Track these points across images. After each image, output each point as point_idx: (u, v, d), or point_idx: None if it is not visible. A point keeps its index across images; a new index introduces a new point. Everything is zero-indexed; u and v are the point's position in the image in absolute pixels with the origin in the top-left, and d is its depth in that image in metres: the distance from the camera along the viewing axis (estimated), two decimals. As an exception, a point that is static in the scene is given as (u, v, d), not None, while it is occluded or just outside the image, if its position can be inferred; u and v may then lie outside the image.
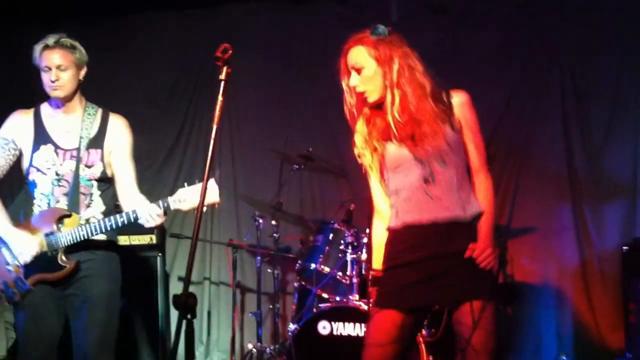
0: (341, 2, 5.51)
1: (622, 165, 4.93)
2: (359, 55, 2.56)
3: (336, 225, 4.46)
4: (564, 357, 4.76)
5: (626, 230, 4.82)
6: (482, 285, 2.49)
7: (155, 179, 5.66)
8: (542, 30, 5.12)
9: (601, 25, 5.00)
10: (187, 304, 2.23)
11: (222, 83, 2.34)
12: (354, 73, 2.58)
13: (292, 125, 5.59)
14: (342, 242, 4.36)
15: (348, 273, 4.26)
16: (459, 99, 2.60)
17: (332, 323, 4.05)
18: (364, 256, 4.26)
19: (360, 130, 2.66)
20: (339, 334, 4.03)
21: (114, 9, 5.65)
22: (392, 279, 2.57)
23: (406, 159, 2.56)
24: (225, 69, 2.33)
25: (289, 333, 4.16)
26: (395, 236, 2.61)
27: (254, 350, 4.71)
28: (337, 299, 4.32)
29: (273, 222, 4.82)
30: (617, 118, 4.95)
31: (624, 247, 4.47)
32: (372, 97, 2.59)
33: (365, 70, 2.56)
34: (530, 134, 5.13)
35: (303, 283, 4.59)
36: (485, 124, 4.90)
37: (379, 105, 2.60)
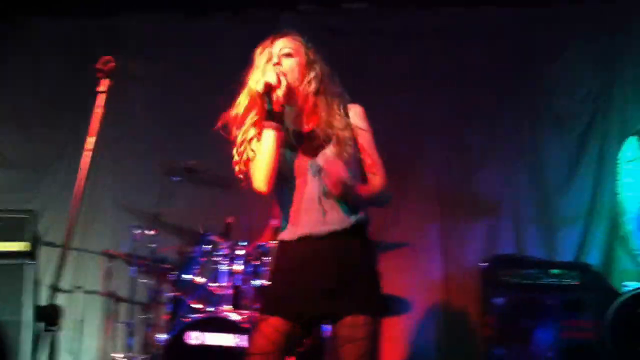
0: (235, 14, 5.60)
1: (489, 187, 5.26)
2: (293, 43, 2.64)
3: (213, 237, 4.52)
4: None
5: (486, 247, 5.17)
6: (368, 301, 2.52)
7: (37, 188, 5.57)
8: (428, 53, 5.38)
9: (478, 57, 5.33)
10: (50, 315, 2.22)
11: (101, 95, 2.35)
12: (284, 59, 2.61)
13: (176, 135, 5.59)
14: (218, 254, 4.42)
15: (222, 284, 4.32)
16: (354, 111, 2.69)
17: (204, 333, 4.07)
18: (239, 267, 4.34)
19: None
20: (210, 344, 4.06)
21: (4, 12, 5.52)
22: (279, 287, 2.59)
23: (305, 169, 2.58)
24: (105, 80, 2.35)
25: (159, 343, 4.16)
26: (287, 247, 2.60)
27: (124, 360, 4.68)
28: (210, 309, 4.37)
29: (151, 232, 4.80)
30: (491, 143, 5.29)
31: (484, 264, 4.74)
32: (282, 92, 2.55)
33: (294, 59, 2.62)
34: (407, 156, 5.36)
35: (177, 294, 4.60)
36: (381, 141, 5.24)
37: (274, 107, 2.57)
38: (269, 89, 2.51)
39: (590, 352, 4.38)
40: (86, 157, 2.31)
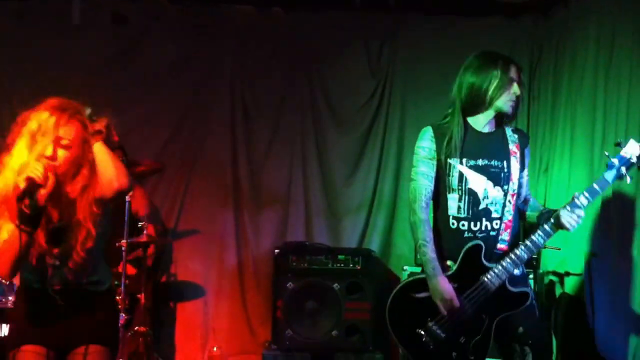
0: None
1: (279, 178, 5.48)
2: (73, 129, 2.45)
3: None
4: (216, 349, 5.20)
5: (278, 235, 5.40)
6: (100, 330, 2.58)
7: None
8: (217, 51, 5.44)
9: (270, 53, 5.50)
10: None
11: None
12: (60, 150, 2.43)
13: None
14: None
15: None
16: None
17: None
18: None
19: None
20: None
21: None
22: (26, 318, 2.54)
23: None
24: None
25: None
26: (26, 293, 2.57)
27: None
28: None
29: None
30: (277, 137, 5.50)
31: (276, 250, 4.95)
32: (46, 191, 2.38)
33: (70, 151, 2.45)
34: (201, 146, 5.44)
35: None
36: (158, 136, 5.23)
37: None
38: (32, 186, 2.30)
39: (368, 331, 4.77)
40: None
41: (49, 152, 2.39)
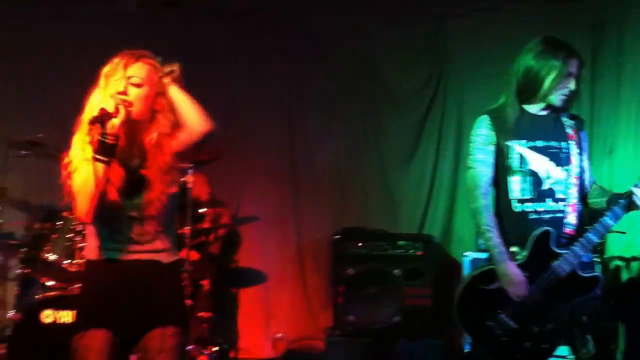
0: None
1: (336, 162, 5.50)
2: (145, 70, 2.49)
3: (65, 213, 4.38)
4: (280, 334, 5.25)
5: (337, 220, 5.38)
6: (174, 312, 2.57)
7: None
8: (273, 33, 5.47)
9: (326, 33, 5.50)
10: None
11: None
12: (131, 87, 2.46)
13: (21, 108, 5.33)
14: (70, 230, 4.30)
15: (75, 261, 4.22)
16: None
17: (57, 311, 3.98)
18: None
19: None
20: (62, 322, 3.98)
21: None
22: (95, 300, 2.53)
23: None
24: None
25: (9, 321, 4.01)
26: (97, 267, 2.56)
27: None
28: (63, 286, 4.25)
29: (-5, 208, 4.57)
30: (334, 121, 5.51)
31: (335, 236, 4.96)
32: (119, 122, 2.42)
33: (143, 89, 2.48)
34: (259, 130, 5.49)
35: (27, 271, 4.43)
36: (217, 121, 5.29)
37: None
38: (105, 117, 2.37)
39: (428, 318, 4.75)
40: None
41: (120, 88, 2.45)
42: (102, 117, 2.36)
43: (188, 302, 3.91)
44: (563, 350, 3.81)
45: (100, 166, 2.37)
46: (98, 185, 2.36)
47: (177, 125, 2.52)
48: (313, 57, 5.51)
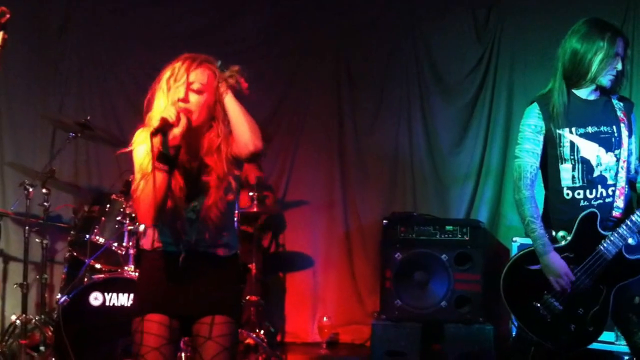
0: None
1: (385, 146, 5.42)
2: (206, 76, 2.47)
3: (113, 196, 4.40)
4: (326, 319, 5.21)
5: (385, 204, 5.34)
6: (227, 301, 2.56)
7: None
8: (321, 17, 5.42)
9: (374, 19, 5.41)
10: None
11: (-2, 49, 2.17)
12: (192, 94, 2.45)
13: (68, 92, 5.36)
14: (119, 212, 4.32)
15: (124, 244, 4.24)
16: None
17: (105, 294, 4.00)
18: (141, 227, 4.25)
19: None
20: (111, 304, 4.00)
21: None
22: (151, 287, 2.55)
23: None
24: (0, 34, 2.16)
25: (58, 304, 4.04)
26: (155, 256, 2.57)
27: (18, 321, 4.48)
28: (112, 269, 4.27)
29: (44, 191, 4.59)
30: (382, 105, 5.42)
31: (384, 221, 4.89)
32: (180, 131, 2.40)
33: (203, 96, 2.46)
34: (307, 114, 5.46)
35: (74, 253, 4.47)
36: (265, 106, 5.28)
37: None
38: (166, 127, 2.35)
39: (477, 303, 4.67)
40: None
41: (181, 94, 2.44)
42: (164, 128, 2.35)
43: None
44: (609, 335, 3.74)
45: (161, 175, 2.36)
46: (159, 194, 2.37)
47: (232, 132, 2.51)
48: (363, 42, 5.43)
